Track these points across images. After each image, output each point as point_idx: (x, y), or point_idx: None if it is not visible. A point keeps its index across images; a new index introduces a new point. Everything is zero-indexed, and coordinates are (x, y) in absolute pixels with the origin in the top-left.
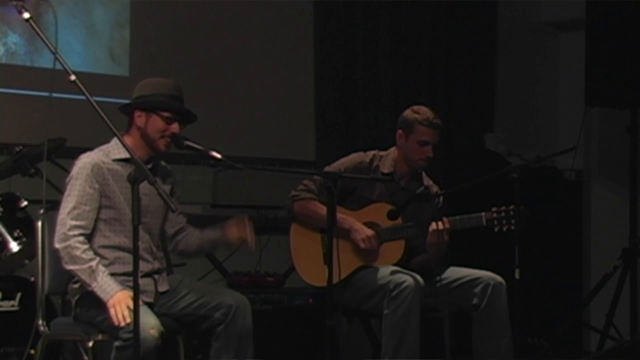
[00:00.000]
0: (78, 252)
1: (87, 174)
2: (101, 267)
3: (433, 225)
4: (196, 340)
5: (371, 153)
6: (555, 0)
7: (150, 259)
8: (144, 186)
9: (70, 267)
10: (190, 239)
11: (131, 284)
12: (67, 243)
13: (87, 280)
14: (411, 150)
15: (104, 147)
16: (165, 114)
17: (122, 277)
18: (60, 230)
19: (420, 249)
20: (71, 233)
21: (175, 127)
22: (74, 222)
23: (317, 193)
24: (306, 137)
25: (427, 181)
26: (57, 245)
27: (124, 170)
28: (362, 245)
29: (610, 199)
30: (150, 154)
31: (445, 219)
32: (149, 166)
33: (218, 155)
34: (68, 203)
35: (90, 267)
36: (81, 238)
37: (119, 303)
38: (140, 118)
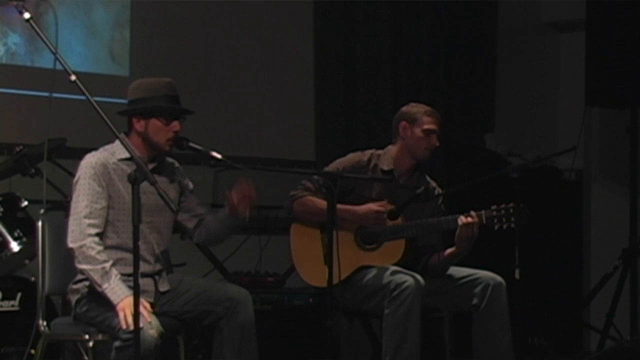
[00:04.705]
0: (93, 253)
1: (94, 172)
2: (114, 270)
3: (463, 219)
4: (196, 340)
5: (369, 152)
6: (555, 0)
7: (152, 260)
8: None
9: (83, 266)
10: (209, 229)
11: (132, 284)
12: (83, 242)
13: (99, 281)
14: (417, 141)
15: (109, 146)
16: (164, 116)
17: (123, 278)
18: (75, 229)
19: (428, 248)
20: (87, 232)
21: (175, 125)
22: (88, 221)
23: (315, 192)
24: (306, 137)
25: (429, 181)
26: (71, 245)
27: (130, 170)
28: (377, 226)
29: (610, 199)
30: (153, 153)
31: (473, 213)
32: (153, 165)
33: (218, 155)
34: (80, 202)
35: (104, 268)
36: (96, 238)
37: (128, 307)
38: (139, 123)
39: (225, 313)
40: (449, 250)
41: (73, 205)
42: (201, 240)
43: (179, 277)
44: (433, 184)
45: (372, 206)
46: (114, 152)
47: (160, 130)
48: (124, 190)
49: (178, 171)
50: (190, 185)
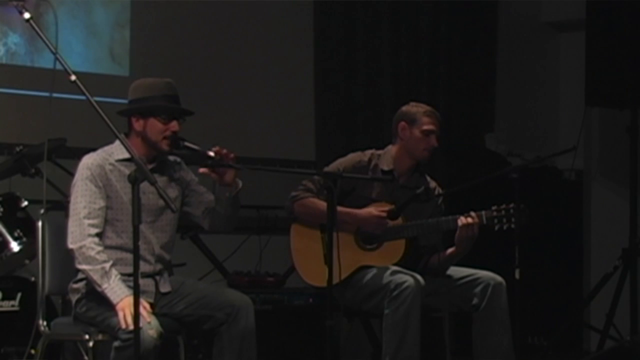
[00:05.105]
0: (93, 253)
1: (91, 173)
2: (114, 271)
3: (463, 220)
4: (196, 340)
5: (369, 152)
6: (555, 0)
7: (152, 260)
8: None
9: (83, 266)
10: (214, 211)
11: (132, 284)
12: (83, 243)
13: (99, 281)
14: (416, 141)
15: (107, 147)
16: (162, 115)
17: (123, 278)
18: (75, 230)
19: (428, 248)
20: (87, 232)
21: (174, 125)
22: (88, 221)
23: (316, 193)
24: (306, 137)
25: (429, 181)
26: (71, 246)
27: (128, 171)
28: (377, 231)
29: (610, 199)
30: (153, 153)
31: (473, 214)
32: (152, 165)
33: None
34: (78, 204)
35: (104, 268)
36: (96, 239)
37: (128, 307)
38: (138, 123)
39: (226, 319)
40: (449, 250)
41: (72, 207)
42: (211, 226)
43: (180, 279)
44: (433, 183)
45: (373, 211)
46: (112, 152)
47: (158, 130)
48: (122, 191)
49: (179, 167)
50: (196, 179)
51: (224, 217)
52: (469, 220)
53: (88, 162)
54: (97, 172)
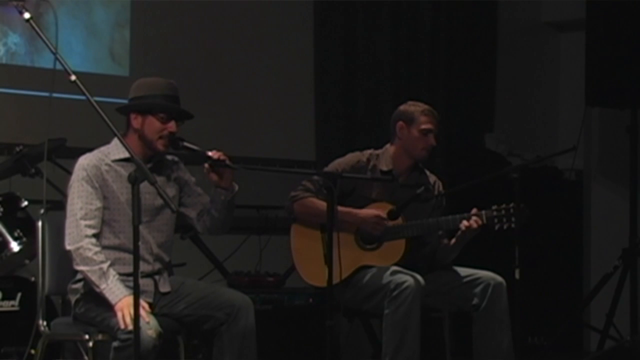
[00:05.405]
0: (90, 254)
1: (87, 174)
2: (112, 271)
3: (466, 224)
4: (196, 340)
5: (367, 152)
6: (555, 0)
7: (151, 259)
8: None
9: (81, 267)
10: (209, 213)
11: (131, 284)
12: (80, 244)
13: (97, 282)
14: (414, 140)
15: (104, 148)
16: (161, 114)
17: (121, 278)
18: (72, 232)
19: (429, 248)
20: (84, 233)
21: (172, 125)
22: (84, 222)
23: (316, 193)
24: (306, 137)
25: (429, 175)
26: (69, 247)
27: (125, 171)
28: (375, 232)
29: (610, 199)
30: (150, 153)
31: (474, 216)
32: (149, 165)
33: (214, 155)
34: (75, 205)
35: (101, 268)
36: (93, 239)
37: (127, 307)
38: (136, 120)
39: (226, 319)
40: (451, 241)
41: (69, 208)
42: (205, 228)
43: (180, 279)
44: (433, 178)
45: (372, 211)
46: (109, 153)
47: (155, 129)
48: (118, 192)
49: (177, 167)
50: (193, 179)
51: (218, 220)
52: (472, 224)
53: (84, 162)
54: (93, 173)
